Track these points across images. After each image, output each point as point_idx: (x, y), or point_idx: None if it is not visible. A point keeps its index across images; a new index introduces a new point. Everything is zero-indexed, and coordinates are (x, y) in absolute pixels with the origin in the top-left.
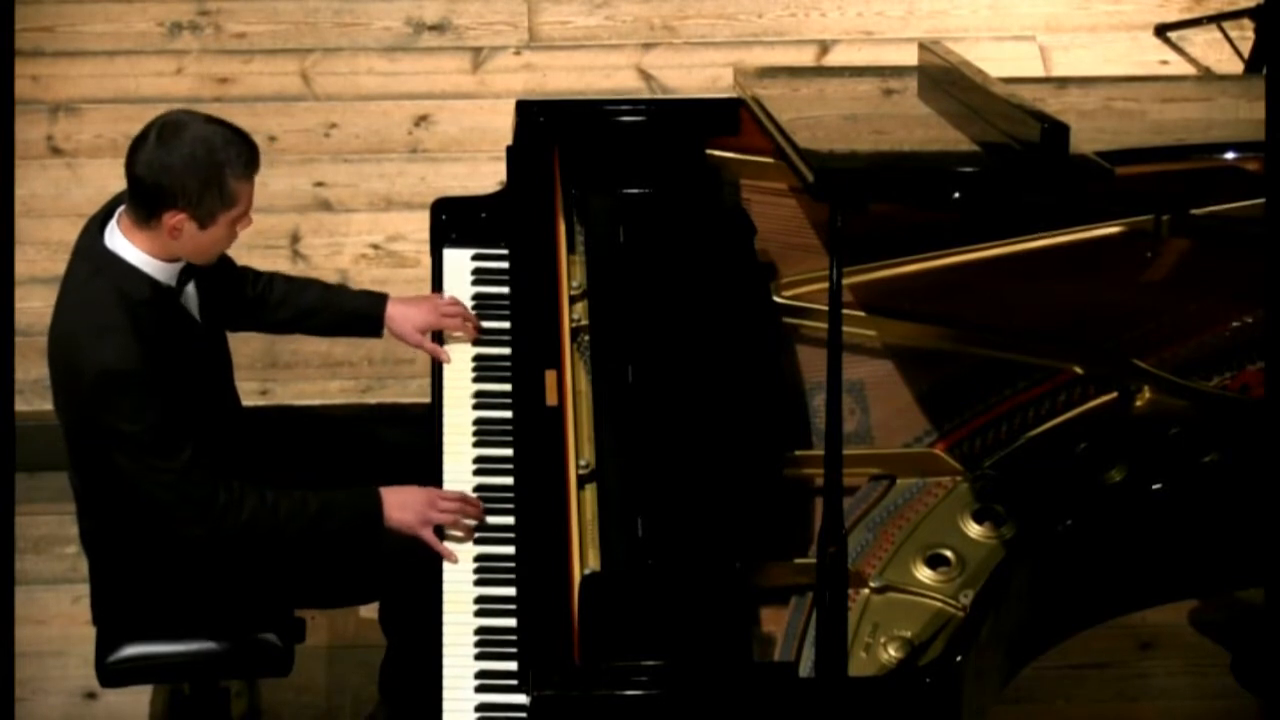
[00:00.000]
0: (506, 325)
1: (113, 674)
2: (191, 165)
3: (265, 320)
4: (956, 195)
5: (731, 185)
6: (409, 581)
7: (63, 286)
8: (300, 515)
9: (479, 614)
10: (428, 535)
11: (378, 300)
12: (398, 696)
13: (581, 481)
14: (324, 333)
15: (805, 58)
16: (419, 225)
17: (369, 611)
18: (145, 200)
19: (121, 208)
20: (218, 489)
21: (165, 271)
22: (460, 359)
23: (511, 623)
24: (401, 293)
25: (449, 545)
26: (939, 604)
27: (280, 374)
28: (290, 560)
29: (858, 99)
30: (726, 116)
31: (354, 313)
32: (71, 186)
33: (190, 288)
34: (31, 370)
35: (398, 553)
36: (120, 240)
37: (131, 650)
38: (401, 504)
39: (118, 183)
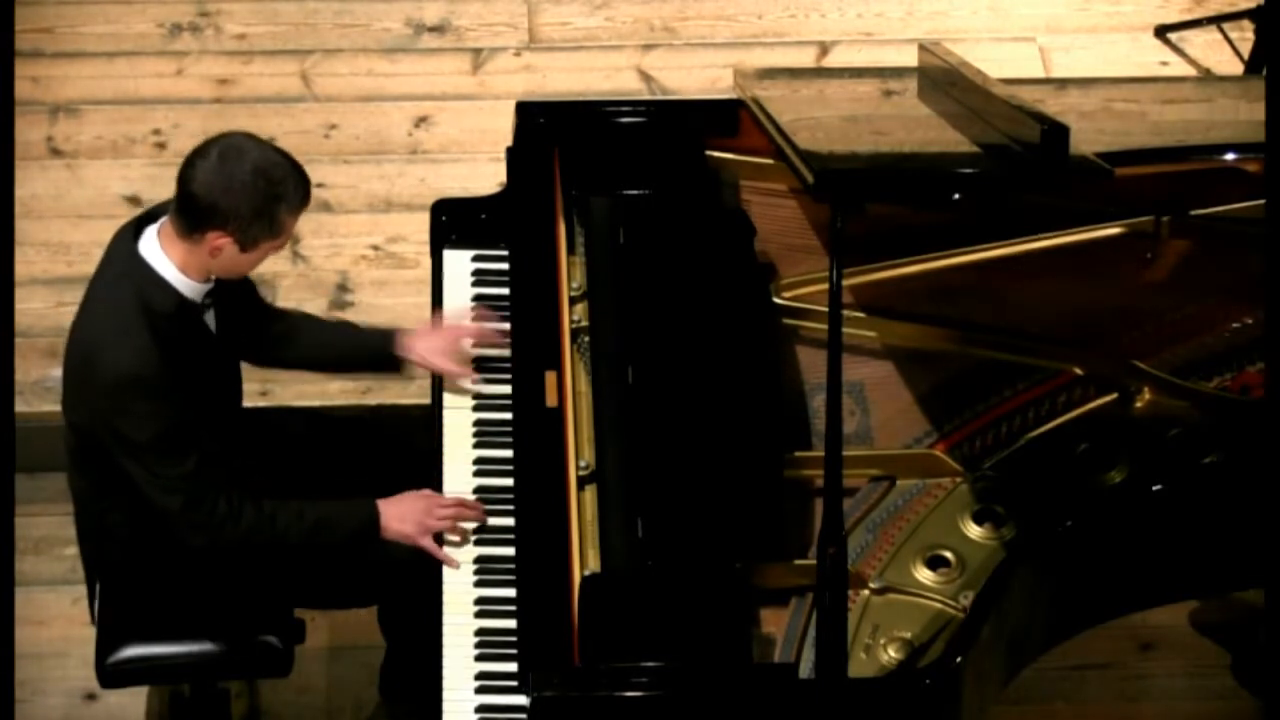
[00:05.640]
0: (506, 327)
1: (113, 675)
2: (250, 192)
3: (286, 357)
4: (956, 196)
5: (731, 186)
6: (408, 585)
7: (90, 288)
8: (297, 527)
9: (479, 615)
10: (428, 544)
11: (393, 336)
12: (398, 697)
13: (581, 482)
14: (340, 370)
15: (805, 59)
16: (419, 226)
17: (369, 612)
18: (194, 216)
19: (164, 218)
20: (219, 498)
21: (194, 289)
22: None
23: (511, 624)
24: (401, 294)
25: (449, 550)
26: (939, 605)
27: (281, 375)
28: (290, 563)
29: (858, 100)
30: (726, 117)
31: (373, 351)
32: (71, 187)
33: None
34: (31, 371)
35: (396, 556)
36: (155, 250)
37: (131, 651)
38: (400, 515)
39: (118, 184)
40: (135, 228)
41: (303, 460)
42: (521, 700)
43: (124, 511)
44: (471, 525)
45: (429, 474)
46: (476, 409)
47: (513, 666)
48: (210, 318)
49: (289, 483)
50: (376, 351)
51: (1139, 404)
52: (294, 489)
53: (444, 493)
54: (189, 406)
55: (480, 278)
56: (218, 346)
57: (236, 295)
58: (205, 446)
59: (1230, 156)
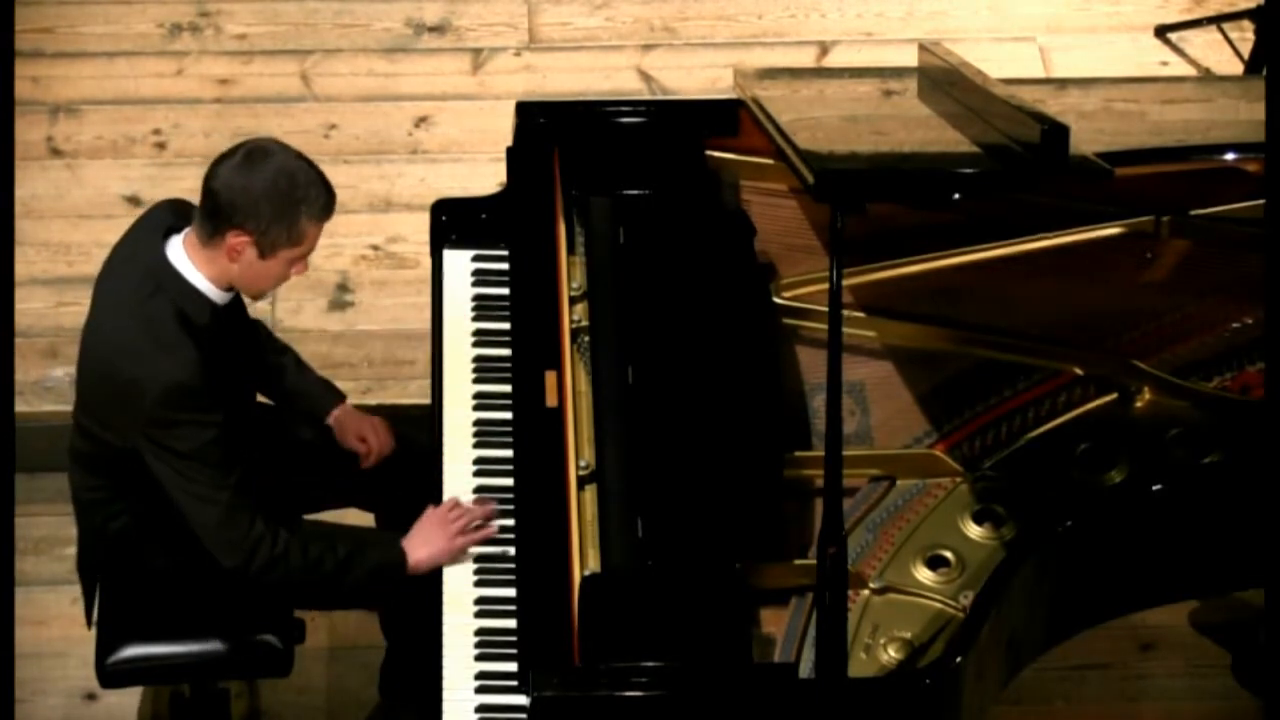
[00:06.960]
0: (506, 326)
1: (112, 675)
2: (271, 193)
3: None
4: (956, 196)
5: (731, 186)
6: (409, 587)
7: (109, 294)
8: (331, 559)
9: (479, 615)
10: (464, 542)
11: (334, 395)
12: (398, 697)
13: (581, 482)
14: (275, 399)
15: (805, 59)
16: (419, 226)
17: (369, 613)
18: (214, 215)
19: (187, 229)
20: (256, 518)
21: (222, 299)
22: (460, 360)
23: (511, 624)
24: (401, 294)
25: (472, 535)
26: (939, 605)
27: None
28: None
29: (858, 100)
30: (726, 117)
31: (307, 393)
32: (71, 188)
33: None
34: (31, 371)
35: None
36: (183, 258)
37: (131, 651)
38: (423, 540)
39: (118, 184)
40: (159, 232)
41: (304, 459)
42: (521, 700)
43: (132, 516)
44: (480, 513)
45: (429, 474)
46: (476, 409)
47: (513, 666)
48: (234, 326)
49: (290, 481)
50: (311, 410)
51: (1139, 404)
52: (295, 487)
53: (444, 493)
54: (228, 415)
55: (480, 278)
56: (241, 354)
57: (242, 314)
58: (247, 462)
59: (1230, 156)
